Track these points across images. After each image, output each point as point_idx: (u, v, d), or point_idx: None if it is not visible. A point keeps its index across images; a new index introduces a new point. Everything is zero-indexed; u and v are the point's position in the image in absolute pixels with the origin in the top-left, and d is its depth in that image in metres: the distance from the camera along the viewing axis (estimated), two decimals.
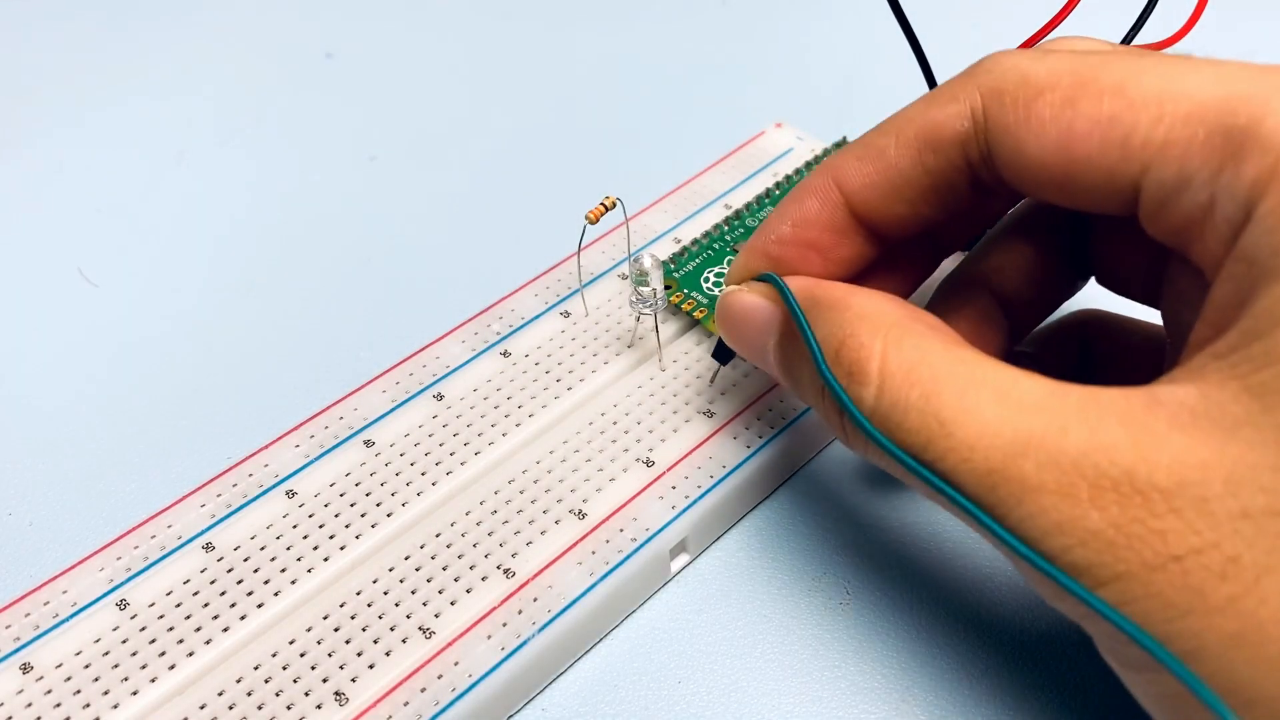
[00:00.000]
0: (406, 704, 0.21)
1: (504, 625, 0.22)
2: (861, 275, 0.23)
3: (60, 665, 0.22)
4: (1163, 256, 0.21)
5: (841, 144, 0.33)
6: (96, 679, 0.22)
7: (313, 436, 0.26)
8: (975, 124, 0.20)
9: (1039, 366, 0.19)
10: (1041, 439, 0.17)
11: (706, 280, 0.29)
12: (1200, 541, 0.16)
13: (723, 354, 0.26)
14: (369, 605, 0.23)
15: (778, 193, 0.31)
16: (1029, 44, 0.24)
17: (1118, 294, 0.24)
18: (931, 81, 0.26)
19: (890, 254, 0.23)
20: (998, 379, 0.18)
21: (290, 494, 0.25)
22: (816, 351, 0.20)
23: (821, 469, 0.27)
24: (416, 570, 0.23)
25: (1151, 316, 0.24)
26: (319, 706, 0.21)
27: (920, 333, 0.19)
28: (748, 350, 0.24)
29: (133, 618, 0.23)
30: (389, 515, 0.25)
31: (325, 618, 0.23)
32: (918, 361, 0.19)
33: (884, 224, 0.22)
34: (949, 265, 0.26)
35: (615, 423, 0.26)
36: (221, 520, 0.25)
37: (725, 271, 0.29)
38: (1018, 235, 0.24)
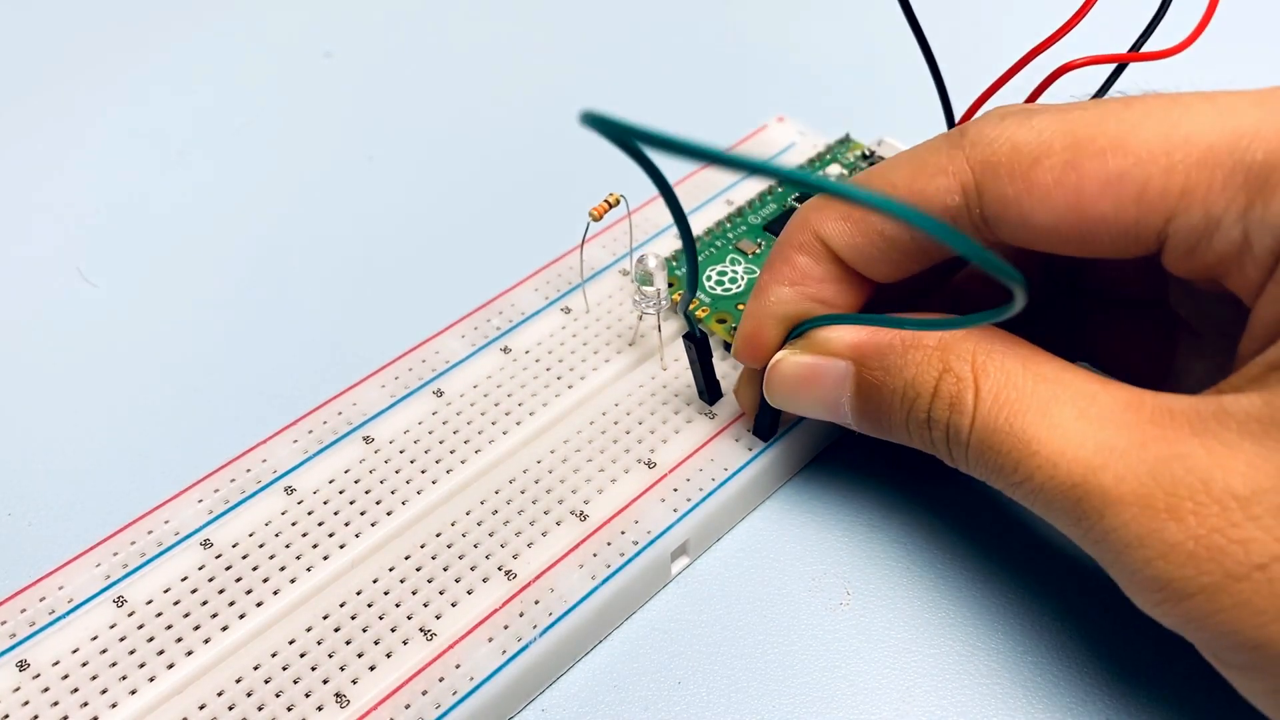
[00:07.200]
0: (408, 706, 0.21)
1: (505, 628, 0.22)
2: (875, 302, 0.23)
3: (57, 663, 0.22)
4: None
5: (845, 140, 0.33)
6: (94, 677, 0.22)
7: (311, 432, 0.26)
8: (968, 197, 0.20)
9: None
10: (1122, 452, 0.17)
11: (709, 278, 0.29)
12: None
13: (767, 430, 0.25)
14: (369, 605, 0.23)
15: (779, 189, 0.31)
16: (1033, 54, 0.24)
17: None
18: (938, 78, 0.26)
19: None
20: (1076, 392, 0.19)
21: (289, 490, 0.25)
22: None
23: (821, 469, 0.27)
24: (417, 570, 0.23)
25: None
26: (320, 708, 0.21)
27: (999, 350, 0.20)
28: (815, 409, 0.23)
29: (130, 615, 0.23)
30: (389, 514, 0.24)
31: (325, 617, 0.23)
32: (1004, 384, 0.19)
33: (879, 277, 0.22)
34: None
35: (616, 422, 0.26)
36: (220, 516, 0.24)
37: (726, 270, 0.29)
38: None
